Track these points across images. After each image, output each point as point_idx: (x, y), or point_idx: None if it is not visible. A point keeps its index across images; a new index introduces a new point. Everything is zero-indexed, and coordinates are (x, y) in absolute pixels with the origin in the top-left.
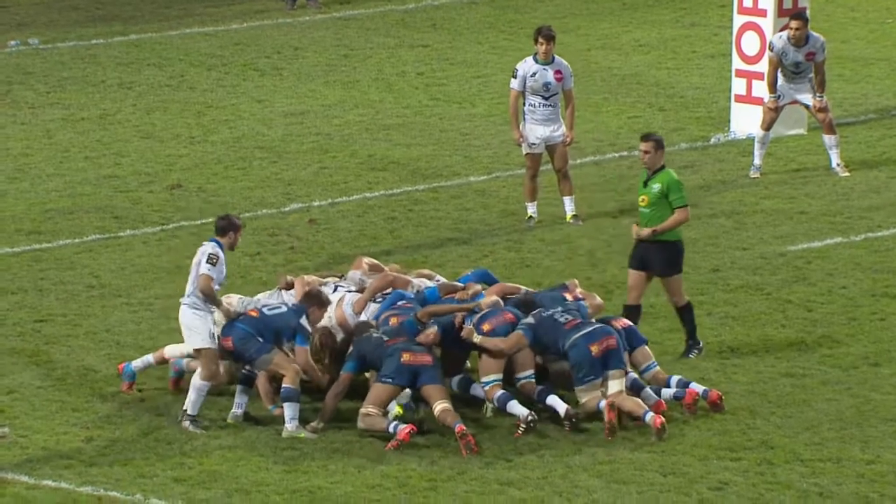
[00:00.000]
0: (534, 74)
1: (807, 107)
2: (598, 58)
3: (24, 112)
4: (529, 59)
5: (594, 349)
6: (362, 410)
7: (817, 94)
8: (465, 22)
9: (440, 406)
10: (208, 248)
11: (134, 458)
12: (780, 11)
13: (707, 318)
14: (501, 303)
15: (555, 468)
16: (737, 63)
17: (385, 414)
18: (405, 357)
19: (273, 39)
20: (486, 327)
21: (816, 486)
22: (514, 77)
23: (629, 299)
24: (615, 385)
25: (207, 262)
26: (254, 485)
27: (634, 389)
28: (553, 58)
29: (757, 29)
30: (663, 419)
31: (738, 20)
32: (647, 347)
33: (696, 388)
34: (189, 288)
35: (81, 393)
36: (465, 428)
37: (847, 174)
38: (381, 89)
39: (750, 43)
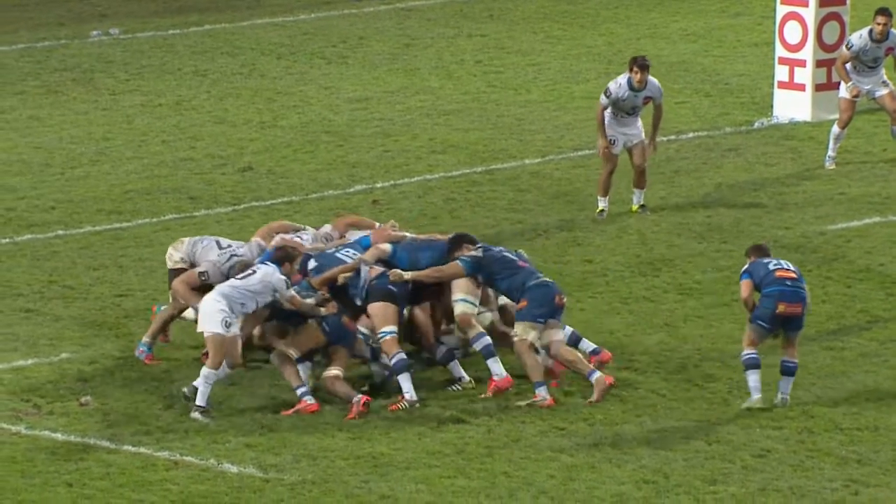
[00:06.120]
0: (625, 99)
1: (874, 99)
2: (647, 46)
3: (105, 98)
4: (624, 82)
5: (557, 299)
6: (281, 349)
7: None
8: (521, 13)
9: (333, 371)
10: (279, 274)
11: (208, 425)
12: (822, 1)
13: None
14: (388, 248)
15: (605, 436)
16: (780, 51)
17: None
18: (345, 319)
19: (339, 29)
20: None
21: (855, 453)
22: (606, 96)
23: None
24: (558, 334)
25: (288, 288)
26: (320, 451)
27: (573, 341)
28: (646, 83)
29: (799, 18)
30: (612, 379)
31: (781, 10)
32: None
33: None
34: (234, 282)
35: (158, 363)
36: (367, 399)
37: None
38: (440, 76)
39: (792, 32)
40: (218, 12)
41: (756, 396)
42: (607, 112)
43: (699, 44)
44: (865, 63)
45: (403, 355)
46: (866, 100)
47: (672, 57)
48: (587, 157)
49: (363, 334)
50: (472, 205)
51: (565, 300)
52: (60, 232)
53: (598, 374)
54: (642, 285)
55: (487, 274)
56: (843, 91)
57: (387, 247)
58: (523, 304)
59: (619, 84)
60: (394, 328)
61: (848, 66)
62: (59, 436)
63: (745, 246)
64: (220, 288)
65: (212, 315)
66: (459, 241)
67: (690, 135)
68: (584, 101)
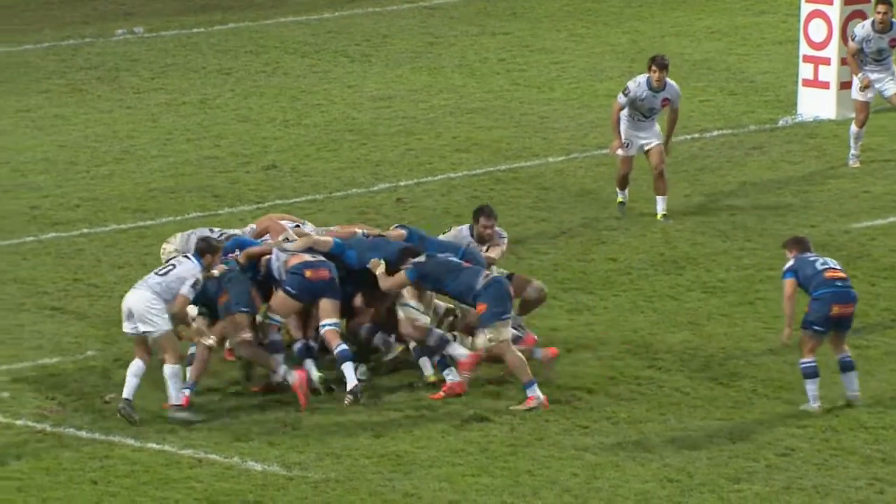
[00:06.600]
0: (643, 99)
1: (887, 99)
2: (672, 44)
3: (130, 97)
4: (643, 81)
5: (511, 291)
6: (239, 339)
7: None
8: (544, 11)
9: (209, 342)
10: (196, 269)
11: (231, 424)
12: None
13: (775, 292)
14: (329, 241)
15: (629, 435)
16: (804, 49)
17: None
18: (253, 292)
19: (363, 27)
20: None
21: (879, 451)
22: (625, 95)
23: None
24: (509, 332)
25: (192, 286)
26: (344, 449)
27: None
28: (665, 84)
29: (823, 16)
30: (556, 349)
31: (806, 8)
32: None
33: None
34: (156, 279)
35: (182, 361)
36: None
37: None
38: (464, 75)
39: (817, 30)
40: (242, 11)
41: (815, 405)
42: (624, 115)
43: (723, 42)
44: (870, 55)
45: (279, 338)
46: (879, 97)
47: (696, 55)
48: (611, 155)
49: (273, 319)
50: (496, 203)
51: (512, 291)
52: (85, 230)
53: (541, 350)
54: (666, 283)
55: (434, 281)
56: (855, 92)
57: (327, 240)
58: (482, 307)
59: (638, 83)
60: (279, 319)
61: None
62: (83, 433)
63: (769, 245)
64: (150, 286)
65: (155, 315)
66: (404, 256)
67: (714, 133)
68: (608, 99)
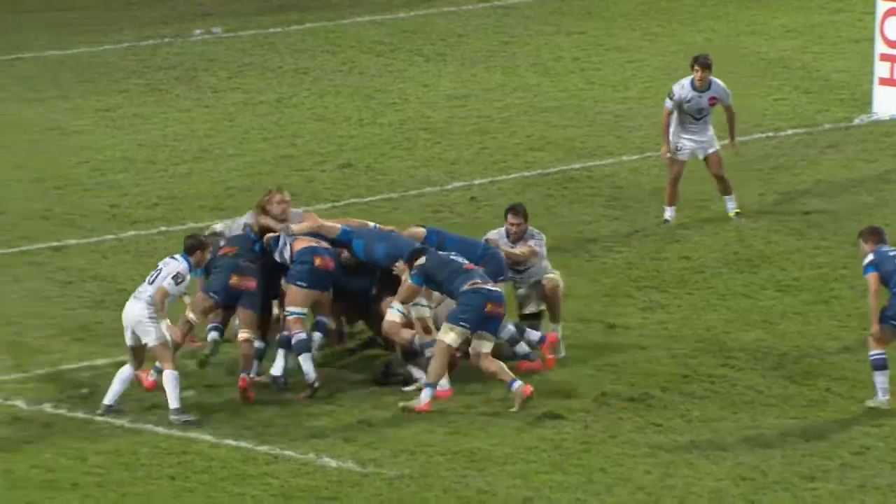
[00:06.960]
0: (689, 101)
1: None
2: (747, 43)
3: (207, 96)
4: (687, 83)
5: (489, 307)
6: (192, 318)
7: None
8: (619, 10)
9: (242, 335)
10: (179, 266)
11: (307, 421)
12: None
13: (849, 290)
14: (336, 227)
15: (702, 433)
16: (880, 47)
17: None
18: (233, 280)
19: (438, 27)
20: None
21: None
22: (671, 98)
23: None
24: (486, 346)
25: (173, 279)
26: (418, 446)
27: (512, 342)
28: (710, 84)
29: None
30: (532, 389)
31: (882, 6)
32: None
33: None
34: (149, 289)
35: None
36: (247, 381)
37: None
38: (538, 74)
39: (893, 27)
40: (318, 11)
41: (884, 398)
42: (675, 119)
43: (799, 40)
44: None
45: (304, 335)
46: None
47: (771, 53)
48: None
49: (294, 312)
50: (570, 201)
51: (500, 310)
52: (163, 228)
53: (517, 383)
54: (740, 282)
55: (436, 282)
56: None
57: (335, 226)
58: (454, 307)
59: (682, 85)
60: (302, 310)
61: None
62: (161, 429)
63: (843, 243)
64: (143, 298)
65: (149, 325)
66: (412, 257)
67: (789, 132)
68: None
